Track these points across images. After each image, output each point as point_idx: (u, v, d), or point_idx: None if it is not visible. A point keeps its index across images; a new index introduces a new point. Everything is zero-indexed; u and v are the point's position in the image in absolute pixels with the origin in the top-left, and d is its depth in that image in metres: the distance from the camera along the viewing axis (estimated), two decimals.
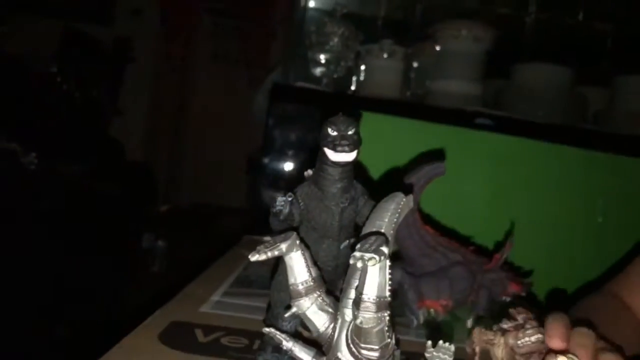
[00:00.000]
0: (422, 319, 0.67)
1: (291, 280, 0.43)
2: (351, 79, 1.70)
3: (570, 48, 1.71)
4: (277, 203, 0.48)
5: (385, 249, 0.35)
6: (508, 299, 0.68)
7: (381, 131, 1.20)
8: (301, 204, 0.49)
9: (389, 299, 0.37)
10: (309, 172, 0.50)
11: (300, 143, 1.42)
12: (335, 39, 1.63)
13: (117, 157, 2.45)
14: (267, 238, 0.43)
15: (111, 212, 2.14)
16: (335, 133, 0.45)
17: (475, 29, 1.56)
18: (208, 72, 3.69)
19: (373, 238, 0.37)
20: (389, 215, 0.43)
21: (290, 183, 1.33)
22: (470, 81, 1.57)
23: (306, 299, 0.42)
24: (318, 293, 0.43)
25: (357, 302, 0.37)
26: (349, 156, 0.45)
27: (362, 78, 1.67)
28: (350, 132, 0.45)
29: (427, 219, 0.74)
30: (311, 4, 1.94)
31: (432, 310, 0.66)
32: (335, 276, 0.50)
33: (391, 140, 1.24)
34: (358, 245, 0.36)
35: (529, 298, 0.71)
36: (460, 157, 1.19)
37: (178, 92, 3.62)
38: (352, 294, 0.39)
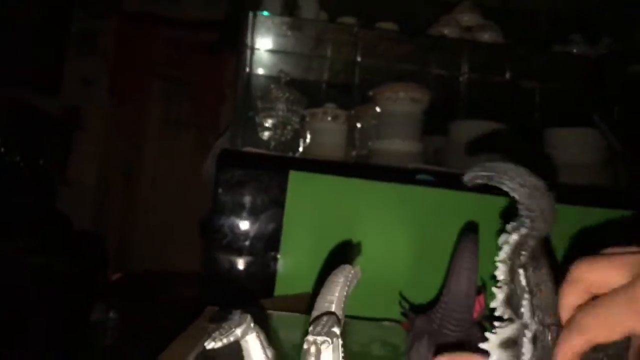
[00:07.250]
0: None
1: None
2: (298, 141, 1.75)
3: (501, 105, 1.82)
4: None
5: (337, 330, 0.37)
6: None
7: (326, 192, 1.24)
8: None
9: None
10: None
11: (249, 206, 1.44)
12: (281, 105, 1.69)
13: (64, 228, 2.39)
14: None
15: (60, 285, 2.07)
16: None
17: (412, 90, 1.65)
18: (158, 137, 3.70)
19: (325, 319, 0.39)
20: (339, 289, 0.45)
21: (242, 246, 1.34)
22: (410, 140, 1.64)
23: None
24: None
25: None
26: None
27: (308, 141, 1.73)
28: None
29: None
30: (259, 71, 2.01)
31: None
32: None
33: (337, 200, 1.27)
34: (310, 328, 0.38)
35: None
36: (403, 213, 1.23)
37: (128, 158, 3.60)
38: None
